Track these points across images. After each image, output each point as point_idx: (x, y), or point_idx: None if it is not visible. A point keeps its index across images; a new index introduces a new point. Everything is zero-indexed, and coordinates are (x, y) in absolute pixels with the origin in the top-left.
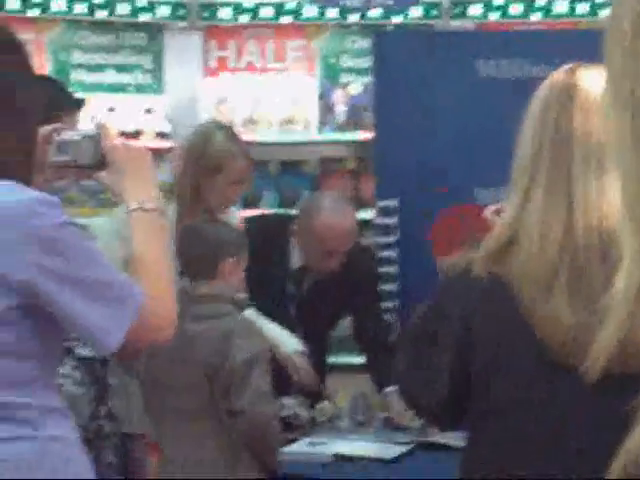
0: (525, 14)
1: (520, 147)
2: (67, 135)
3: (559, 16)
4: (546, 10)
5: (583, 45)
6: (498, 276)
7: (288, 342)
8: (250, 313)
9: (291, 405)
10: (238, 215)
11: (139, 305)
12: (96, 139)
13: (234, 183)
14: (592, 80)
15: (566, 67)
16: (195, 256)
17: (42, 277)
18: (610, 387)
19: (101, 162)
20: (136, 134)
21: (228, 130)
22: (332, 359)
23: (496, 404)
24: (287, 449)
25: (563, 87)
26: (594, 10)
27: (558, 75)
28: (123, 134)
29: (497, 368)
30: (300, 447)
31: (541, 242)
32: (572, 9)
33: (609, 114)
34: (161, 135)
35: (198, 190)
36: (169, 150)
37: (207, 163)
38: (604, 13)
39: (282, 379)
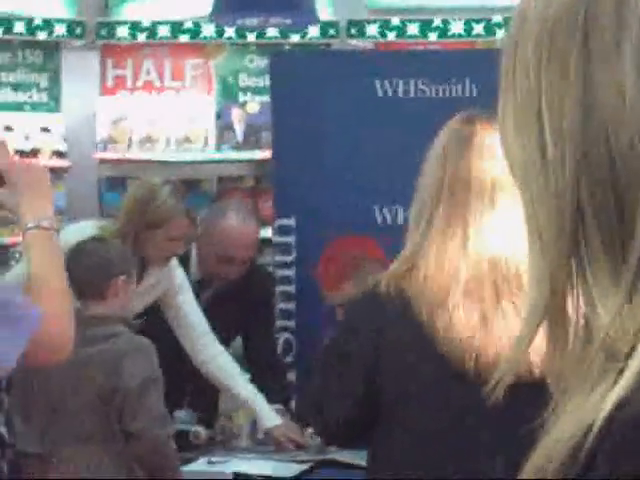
0: (422, 34)
1: (420, 187)
2: None
3: (455, 36)
4: (442, 30)
5: (479, 65)
6: (402, 294)
7: (268, 416)
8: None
9: (186, 420)
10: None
11: (35, 325)
12: None
13: (173, 239)
14: (487, 130)
15: (463, 116)
16: (84, 275)
17: None
18: (517, 397)
19: None
20: (33, 153)
21: (173, 187)
22: None
23: (403, 420)
24: (186, 468)
25: (461, 137)
26: (490, 30)
27: (456, 124)
28: (20, 153)
29: (404, 385)
30: (199, 466)
31: (436, 267)
32: (468, 29)
33: (511, 142)
34: (58, 154)
35: (137, 242)
36: (66, 169)
37: (149, 218)
38: (500, 33)
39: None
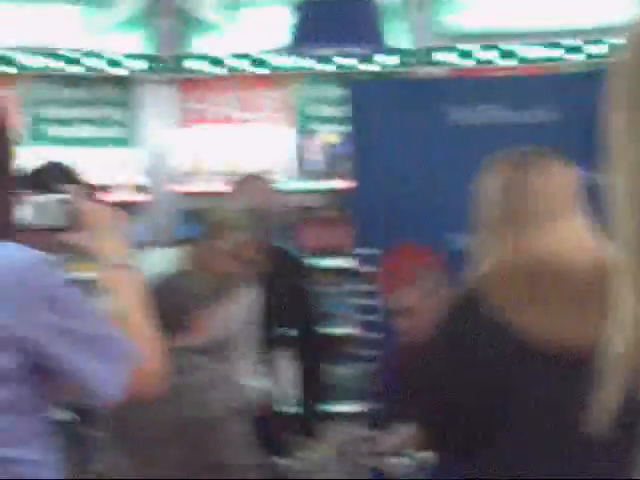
0: (502, 59)
1: (484, 214)
2: (40, 198)
3: (530, 61)
4: (521, 57)
5: (554, 89)
6: (480, 299)
7: None
8: None
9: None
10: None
11: (135, 360)
12: (68, 201)
13: (233, 255)
14: (542, 165)
15: (514, 159)
16: (169, 309)
17: (45, 334)
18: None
19: (73, 224)
20: (115, 188)
21: (251, 213)
22: None
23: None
24: None
25: (517, 176)
26: (565, 54)
27: (507, 167)
28: (101, 188)
29: (500, 382)
30: None
31: (506, 276)
32: (544, 55)
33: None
34: (138, 188)
35: None
36: (147, 203)
37: (216, 224)
38: (574, 57)
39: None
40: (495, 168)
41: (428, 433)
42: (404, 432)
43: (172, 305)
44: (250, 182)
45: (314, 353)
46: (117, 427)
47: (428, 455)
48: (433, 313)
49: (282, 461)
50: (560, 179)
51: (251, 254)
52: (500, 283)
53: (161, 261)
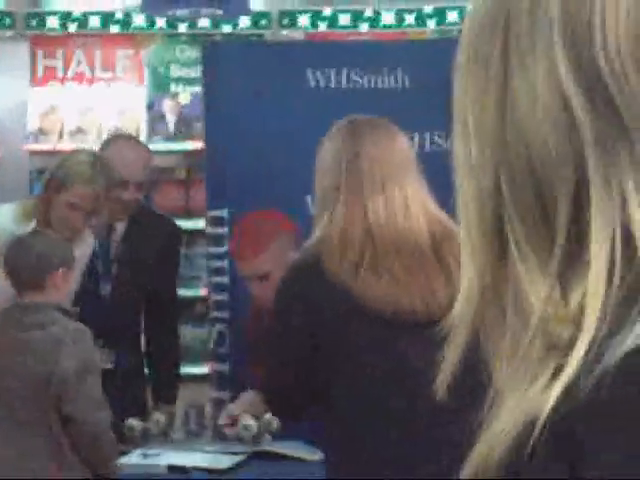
0: (353, 25)
1: (319, 183)
2: None
3: (387, 27)
4: (374, 20)
5: (412, 56)
6: (319, 264)
7: None
8: None
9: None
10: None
11: None
12: None
13: (73, 207)
14: (374, 133)
15: (347, 123)
16: (22, 268)
17: None
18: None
19: None
20: None
21: (93, 159)
22: None
23: (344, 375)
24: (120, 461)
25: (350, 150)
26: (421, 21)
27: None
28: None
29: (341, 344)
30: (133, 459)
31: (341, 242)
32: (399, 20)
33: (455, 144)
34: None
35: (46, 210)
36: None
37: (55, 179)
38: (431, 24)
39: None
40: (330, 136)
41: (271, 395)
42: (250, 395)
43: (26, 265)
44: (118, 142)
45: (164, 314)
46: None
47: (272, 418)
48: None
49: (133, 422)
50: (394, 146)
51: (96, 207)
52: (336, 249)
53: (3, 215)
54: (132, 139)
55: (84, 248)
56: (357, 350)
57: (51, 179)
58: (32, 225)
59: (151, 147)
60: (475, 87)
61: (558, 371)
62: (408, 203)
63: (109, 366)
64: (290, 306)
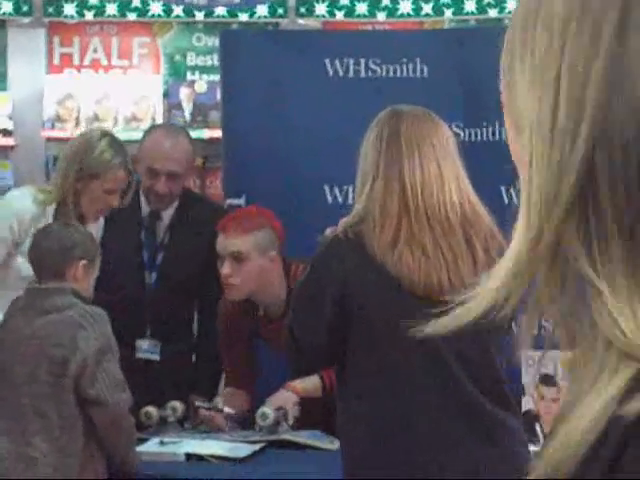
0: (371, 13)
1: (362, 163)
2: None
3: (404, 16)
4: (391, 9)
5: (430, 45)
6: (358, 238)
7: None
8: None
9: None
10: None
11: None
12: None
13: (109, 192)
14: (415, 117)
15: (391, 111)
16: (45, 256)
17: None
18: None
19: None
20: None
21: (112, 140)
22: None
23: (369, 341)
24: (137, 448)
25: (391, 129)
26: (439, 10)
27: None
28: None
29: (368, 311)
30: (151, 447)
31: (382, 218)
32: (417, 9)
33: (523, 98)
34: (4, 132)
35: (76, 195)
36: (12, 148)
37: (86, 169)
38: (448, 13)
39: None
40: (375, 121)
41: (299, 355)
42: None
43: (49, 254)
44: (153, 132)
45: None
46: None
47: (290, 408)
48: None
49: (150, 409)
50: (435, 129)
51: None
52: (376, 223)
53: (22, 197)
54: (170, 129)
55: (97, 229)
56: (386, 322)
57: (80, 171)
58: (52, 209)
59: None
60: (578, 51)
61: (632, 381)
62: (443, 179)
63: (154, 357)
64: (329, 273)
